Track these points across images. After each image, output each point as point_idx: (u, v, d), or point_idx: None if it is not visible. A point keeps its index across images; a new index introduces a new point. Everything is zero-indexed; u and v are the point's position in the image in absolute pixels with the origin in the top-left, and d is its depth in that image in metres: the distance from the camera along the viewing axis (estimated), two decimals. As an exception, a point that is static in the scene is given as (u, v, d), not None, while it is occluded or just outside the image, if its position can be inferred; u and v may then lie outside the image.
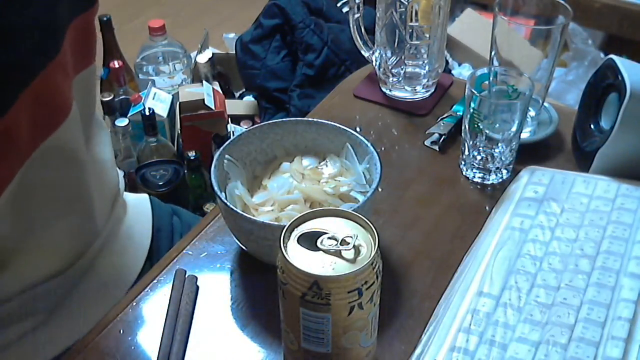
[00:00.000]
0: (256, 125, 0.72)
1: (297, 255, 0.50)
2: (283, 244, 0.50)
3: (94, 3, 0.66)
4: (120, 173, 0.84)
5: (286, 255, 0.49)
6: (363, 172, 0.69)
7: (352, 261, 0.49)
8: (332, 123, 0.71)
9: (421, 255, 0.70)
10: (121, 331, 0.63)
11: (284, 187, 0.68)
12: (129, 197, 0.85)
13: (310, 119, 0.73)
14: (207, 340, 0.62)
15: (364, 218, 0.52)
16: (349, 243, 0.50)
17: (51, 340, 0.70)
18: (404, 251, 0.70)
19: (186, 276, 0.67)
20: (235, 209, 0.62)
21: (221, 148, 0.68)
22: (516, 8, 0.79)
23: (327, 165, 0.71)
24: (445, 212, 0.74)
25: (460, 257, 0.68)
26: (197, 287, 0.66)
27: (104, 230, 0.75)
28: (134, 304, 0.65)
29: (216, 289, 0.67)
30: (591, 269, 0.64)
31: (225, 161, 0.68)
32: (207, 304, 0.65)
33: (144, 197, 0.88)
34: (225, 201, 0.63)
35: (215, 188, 0.64)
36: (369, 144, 0.68)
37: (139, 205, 0.86)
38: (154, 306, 0.65)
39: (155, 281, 0.67)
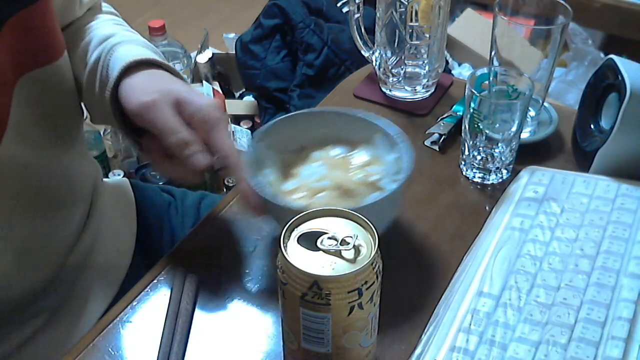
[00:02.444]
0: (287, 115, 0.73)
1: (297, 255, 0.50)
2: (283, 244, 0.50)
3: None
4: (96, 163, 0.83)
5: (286, 255, 0.49)
6: (393, 162, 0.69)
7: (352, 261, 0.49)
8: (362, 113, 0.72)
9: (421, 255, 0.70)
10: (121, 331, 0.63)
11: (314, 175, 0.69)
12: (108, 183, 0.85)
13: (341, 110, 0.74)
14: (207, 340, 0.62)
15: (364, 218, 0.52)
16: (349, 243, 0.50)
17: (55, 342, 0.70)
18: (404, 251, 0.70)
19: (186, 276, 0.67)
20: (267, 195, 0.63)
21: (254, 135, 0.69)
22: (516, 8, 0.79)
23: (357, 155, 0.71)
24: (445, 212, 0.74)
25: (460, 257, 0.68)
26: (197, 287, 0.66)
27: (90, 226, 0.75)
28: (134, 303, 0.65)
29: (216, 289, 0.67)
30: (591, 269, 0.64)
31: (258, 148, 0.69)
32: (207, 304, 0.65)
33: (124, 182, 0.89)
34: (259, 187, 0.63)
35: (250, 174, 0.65)
36: (399, 135, 0.69)
37: (120, 194, 0.86)
38: (154, 306, 0.65)
39: (155, 281, 0.67)
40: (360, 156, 0.71)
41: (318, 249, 0.50)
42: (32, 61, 0.64)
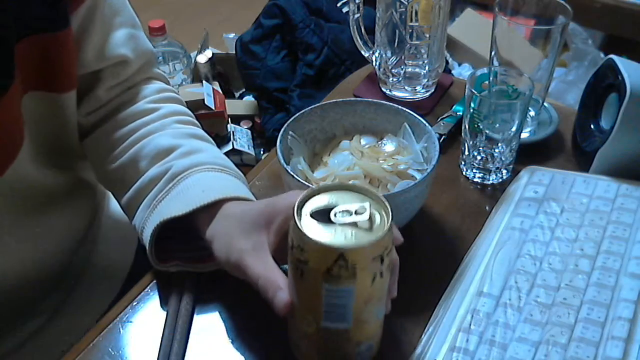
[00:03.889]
0: (317, 105, 0.74)
1: (316, 231, 0.49)
2: (298, 221, 0.49)
3: (58, 27, 0.62)
4: None
5: (306, 233, 0.49)
6: (420, 151, 0.71)
7: (369, 229, 0.49)
8: (390, 103, 0.74)
9: (421, 255, 0.70)
10: (121, 331, 0.63)
11: (344, 164, 0.70)
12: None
13: (370, 100, 0.75)
14: (207, 340, 0.62)
15: (366, 187, 0.52)
16: (362, 213, 0.50)
17: (57, 340, 0.70)
18: (404, 251, 0.70)
19: (186, 276, 0.66)
20: (302, 180, 0.65)
21: (285, 124, 0.70)
22: (516, 8, 0.79)
23: (385, 144, 0.73)
24: (445, 212, 0.74)
25: (460, 257, 0.68)
26: (197, 287, 0.66)
27: (94, 225, 0.76)
28: (134, 303, 0.65)
29: (216, 288, 0.67)
30: (591, 269, 0.64)
31: (289, 137, 0.71)
32: (207, 304, 0.65)
33: None
34: (292, 173, 0.65)
35: (282, 162, 0.66)
36: (426, 124, 0.70)
37: None
38: (154, 306, 0.65)
39: (155, 281, 0.67)
40: (388, 145, 0.72)
41: (332, 223, 0.50)
42: (37, 82, 0.64)
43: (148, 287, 0.67)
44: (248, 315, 0.65)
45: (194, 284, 0.66)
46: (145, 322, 0.64)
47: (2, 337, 0.69)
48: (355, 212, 0.50)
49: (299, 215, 0.50)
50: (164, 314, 0.63)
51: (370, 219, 0.50)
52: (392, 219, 0.50)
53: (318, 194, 0.52)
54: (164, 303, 0.64)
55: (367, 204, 0.50)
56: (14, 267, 0.67)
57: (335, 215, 0.50)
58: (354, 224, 0.50)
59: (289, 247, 0.51)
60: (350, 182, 0.68)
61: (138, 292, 0.66)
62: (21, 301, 0.70)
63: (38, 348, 0.70)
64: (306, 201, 0.52)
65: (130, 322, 0.64)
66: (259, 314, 0.64)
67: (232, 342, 0.62)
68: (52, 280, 0.72)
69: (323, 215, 0.50)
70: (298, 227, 0.49)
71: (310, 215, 0.50)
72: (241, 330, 0.63)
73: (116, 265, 0.79)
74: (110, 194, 0.81)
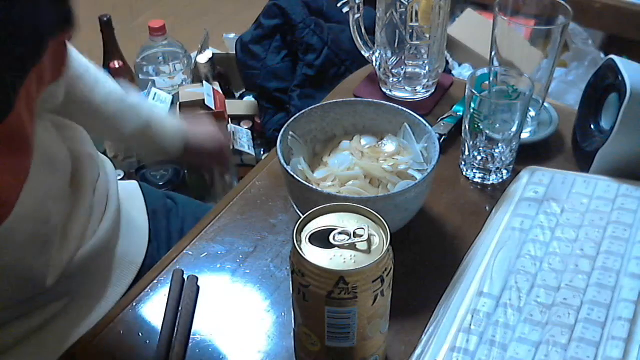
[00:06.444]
0: (317, 105, 0.74)
1: (315, 255, 0.49)
2: (298, 246, 0.50)
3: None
4: (109, 163, 0.84)
5: (306, 257, 0.49)
6: (421, 151, 0.71)
7: (367, 251, 0.50)
8: (390, 103, 0.74)
9: (421, 256, 0.70)
10: (121, 331, 0.63)
11: (344, 164, 0.70)
12: (120, 184, 0.86)
13: (370, 100, 0.75)
14: (207, 340, 0.62)
15: (364, 208, 0.52)
16: (361, 235, 0.50)
17: (74, 325, 0.70)
18: (404, 251, 0.70)
19: (186, 276, 0.67)
20: (302, 180, 0.65)
21: (285, 124, 0.71)
22: (516, 8, 0.79)
23: (385, 144, 0.73)
24: (445, 212, 0.74)
25: (460, 257, 0.68)
26: (197, 287, 0.66)
27: (106, 215, 0.76)
28: (134, 304, 0.65)
29: (216, 289, 0.67)
30: (591, 269, 0.64)
31: (289, 137, 0.71)
32: (207, 304, 0.65)
33: (134, 183, 0.91)
34: (292, 173, 0.65)
35: (282, 161, 0.66)
36: (426, 124, 0.70)
37: (131, 191, 0.88)
38: (154, 306, 0.65)
39: (155, 281, 0.67)
40: (388, 145, 0.72)
41: (331, 246, 0.50)
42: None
43: (148, 287, 0.67)
44: (248, 315, 0.65)
45: (194, 284, 0.66)
46: (145, 322, 0.64)
47: (26, 316, 0.69)
48: (354, 234, 0.50)
49: (298, 239, 0.51)
50: (164, 314, 0.63)
51: (369, 239, 0.50)
52: (390, 239, 0.50)
53: (316, 216, 0.52)
54: (163, 303, 0.64)
55: (365, 225, 0.51)
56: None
57: (334, 237, 0.50)
58: (353, 246, 0.50)
59: (290, 270, 0.52)
60: (350, 182, 0.68)
61: (138, 292, 0.67)
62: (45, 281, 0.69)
63: (57, 330, 0.70)
64: (305, 224, 0.52)
65: (131, 322, 0.64)
66: (259, 314, 0.64)
67: (232, 343, 0.62)
68: (74, 263, 0.72)
69: (322, 238, 0.50)
70: (298, 252, 0.49)
71: (309, 238, 0.51)
72: (241, 331, 0.63)
73: (130, 257, 0.80)
74: (119, 189, 0.83)
